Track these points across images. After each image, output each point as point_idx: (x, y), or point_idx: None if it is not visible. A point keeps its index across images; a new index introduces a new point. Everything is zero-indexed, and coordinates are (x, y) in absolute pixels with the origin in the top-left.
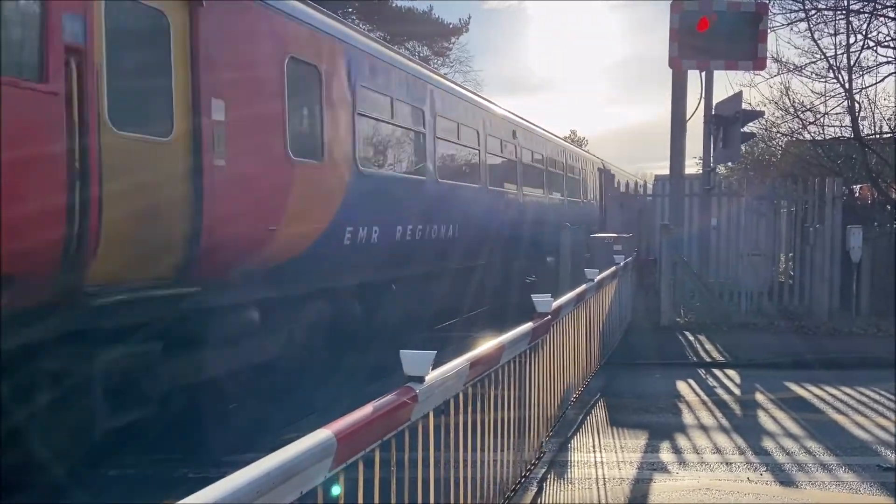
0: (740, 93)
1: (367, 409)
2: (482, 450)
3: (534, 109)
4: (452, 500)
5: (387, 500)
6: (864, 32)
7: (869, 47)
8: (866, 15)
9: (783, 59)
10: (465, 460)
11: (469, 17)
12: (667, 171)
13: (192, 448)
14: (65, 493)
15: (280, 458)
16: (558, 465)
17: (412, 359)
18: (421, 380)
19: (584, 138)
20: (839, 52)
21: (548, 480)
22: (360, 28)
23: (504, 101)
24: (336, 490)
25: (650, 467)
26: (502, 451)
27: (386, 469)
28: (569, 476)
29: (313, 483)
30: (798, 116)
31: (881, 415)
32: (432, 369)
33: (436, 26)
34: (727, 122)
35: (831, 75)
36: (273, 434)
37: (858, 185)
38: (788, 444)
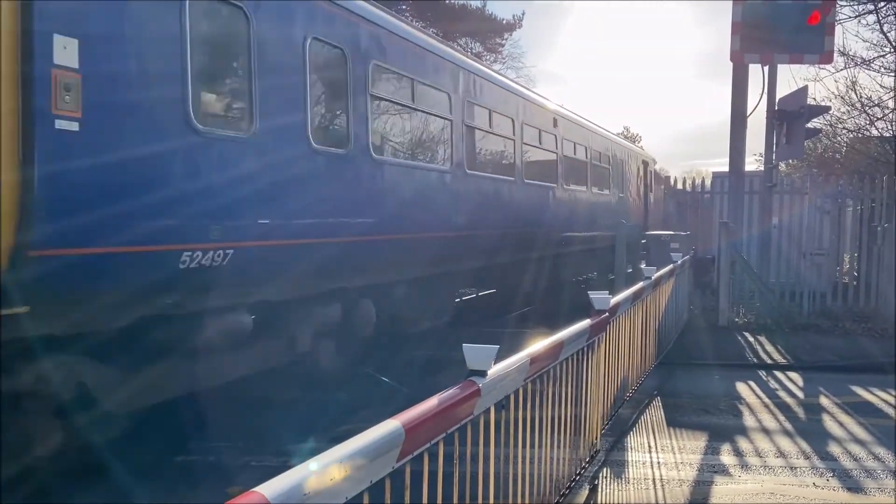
0: (805, 87)
1: (432, 402)
2: (539, 446)
3: (585, 105)
4: (511, 497)
5: (449, 494)
6: None
7: None
8: None
9: (850, 53)
10: (522, 456)
11: (523, 13)
12: (723, 169)
13: (254, 436)
14: (130, 478)
15: (350, 448)
16: (614, 465)
17: (475, 353)
18: (483, 374)
19: (637, 134)
20: None
21: (604, 479)
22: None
23: (549, 94)
24: None
25: (710, 469)
26: (558, 448)
27: (446, 463)
28: (625, 476)
29: (381, 474)
30: (865, 112)
31: None
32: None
33: (489, 22)
34: (791, 117)
35: None
36: (334, 425)
37: None
38: (856, 449)
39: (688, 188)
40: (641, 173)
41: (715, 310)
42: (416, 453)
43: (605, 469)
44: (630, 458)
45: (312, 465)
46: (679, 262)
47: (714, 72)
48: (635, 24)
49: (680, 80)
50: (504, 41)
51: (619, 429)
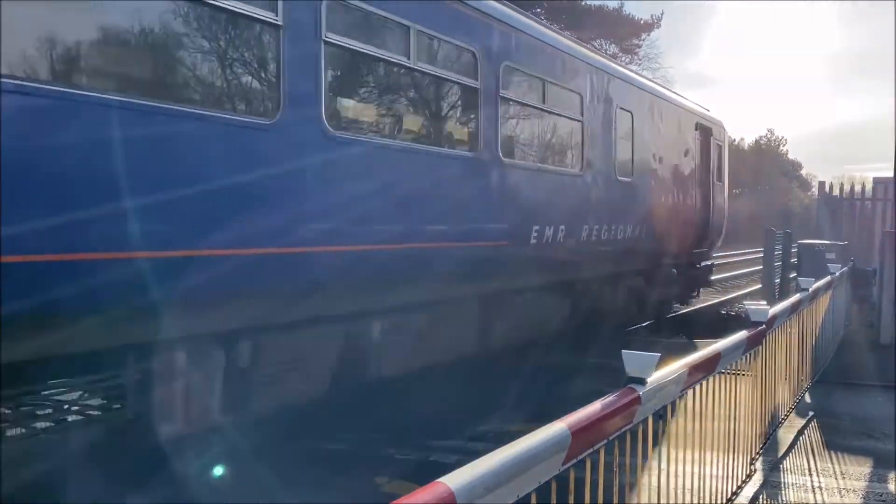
0: None
1: (595, 406)
2: (695, 461)
3: (730, 107)
4: None
5: (609, 501)
6: None
7: None
8: None
9: None
10: (679, 470)
11: (661, 14)
12: (882, 174)
13: (395, 429)
14: (275, 462)
15: (523, 447)
16: (770, 486)
17: (635, 360)
18: (643, 382)
19: (782, 138)
20: None
21: (761, 501)
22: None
23: (691, 96)
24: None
25: (878, 499)
26: (714, 464)
27: (606, 470)
28: (783, 499)
29: (548, 475)
30: None
31: None
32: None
33: (626, 23)
34: None
35: None
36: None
37: None
38: None
39: (845, 194)
40: (694, 146)
41: (875, 326)
42: (580, 457)
43: (763, 490)
44: (788, 481)
45: (490, 460)
46: (837, 273)
47: (866, 71)
48: (780, 23)
49: (828, 79)
50: (641, 42)
51: (775, 448)
